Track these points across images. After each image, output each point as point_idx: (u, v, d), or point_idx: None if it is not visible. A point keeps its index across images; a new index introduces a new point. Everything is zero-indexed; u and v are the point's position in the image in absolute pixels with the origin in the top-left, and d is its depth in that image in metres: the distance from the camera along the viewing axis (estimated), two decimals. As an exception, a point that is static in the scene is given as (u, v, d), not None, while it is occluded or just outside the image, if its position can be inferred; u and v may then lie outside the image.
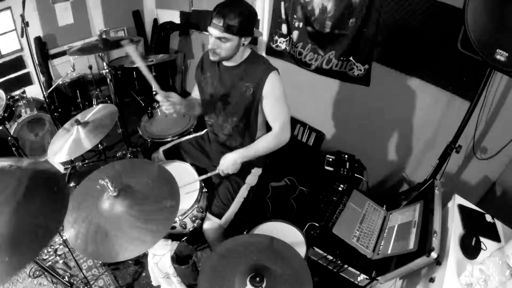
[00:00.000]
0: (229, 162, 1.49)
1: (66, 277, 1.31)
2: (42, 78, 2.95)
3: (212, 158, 1.77)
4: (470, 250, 1.14)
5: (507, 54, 1.20)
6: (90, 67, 3.18)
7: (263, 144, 1.51)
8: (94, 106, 2.18)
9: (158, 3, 3.75)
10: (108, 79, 2.29)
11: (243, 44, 1.37)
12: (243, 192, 1.65)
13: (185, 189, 1.53)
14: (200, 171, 1.69)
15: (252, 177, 1.69)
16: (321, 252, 1.49)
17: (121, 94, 2.45)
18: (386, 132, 2.25)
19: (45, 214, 0.86)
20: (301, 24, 2.31)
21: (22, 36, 2.00)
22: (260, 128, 1.58)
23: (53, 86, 2.55)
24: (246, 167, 1.63)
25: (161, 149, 1.85)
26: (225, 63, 1.47)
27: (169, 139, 2.12)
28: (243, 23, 1.27)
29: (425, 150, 2.09)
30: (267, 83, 1.38)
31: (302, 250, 1.45)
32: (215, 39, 1.32)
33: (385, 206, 1.74)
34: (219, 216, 1.55)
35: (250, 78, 1.42)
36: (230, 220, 1.61)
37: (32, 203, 0.85)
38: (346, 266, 1.46)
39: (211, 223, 1.55)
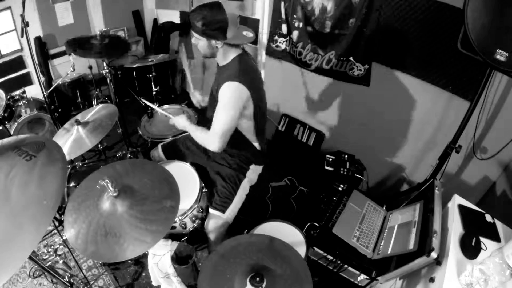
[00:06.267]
0: (179, 122, 1.66)
1: (66, 277, 1.31)
2: (42, 78, 2.95)
3: (209, 154, 1.79)
4: (470, 250, 1.14)
5: (507, 54, 1.20)
6: (90, 67, 3.17)
7: (198, 135, 1.55)
8: (94, 106, 2.18)
9: (158, 3, 3.74)
10: (108, 79, 2.29)
11: (216, 47, 1.42)
12: (244, 186, 1.66)
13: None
14: (200, 169, 1.69)
15: (252, 173, 1.70)
16: (321, 252, 1.49)
17: (121, 94, 2.45)
18: (386, 132, 2.25)
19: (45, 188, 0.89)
20: (301, 24, 2.31)
21: (22, 36, 2.00)
22: (247, 130, 1.58)
23: (53, 86, 2.54)
24: (244, 164, 1.67)
25: (160, 145, 1.87)
26: (217, 62, 1.54)
27: (169, 139, 2.12)
28: (205, 26, 1.34)
29: (425, 150, 2.09)
30: (221, 89, 1.42)
31: (302, 250, 1.45)
32: (194, 37, 1.44)
33: (385, 206, 1.74)
34: (222, 210, 1.56)
35: (220, 81, 1.46)
36: (234, 215, 1.61)
37: (32, 176, 0.90)
38: (346, 266, 1.46)
39: (214, 220, 1.55)
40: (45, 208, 0.85)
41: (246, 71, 1.44)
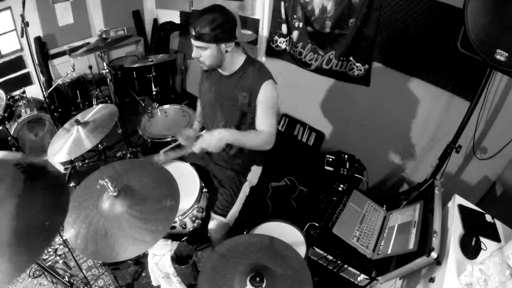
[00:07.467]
0: (215, 138, 1.36)
1: (66, 277, 1.31)
2: (42, 78, 2.95)
3: (212, 156, 1.78)
4: (470, 250, 1.14)
5: (507, 54, 1.20)
6: (90, 67, 3.18)
7: (251, 140, 1.43)
8: (94, 106, 2.18)
9: (158, 3, 3.75)
10: (108, 79, 2.29)
11: (227, 51, 1.36)
12: (245, 190, 1.66)
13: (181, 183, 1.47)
14: (200, 170, 1.69)
15: (253, 175, 1.70)
16: (321, 252, 1.49)
17: (121, 94, 2.45)
18: (386, 132, 2.25)
19: (47, 209, 0.85)
20: (301, 24, 2.31)
21: (22, 36, 2.00)
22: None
23: (53, 86, 2.54)
24: (246, 165, 1.66)
25: (162, 151, 1.85)
26: (221, 72, 1.48)
27: (169, 139, 2.12)
28: (216, 30, 1.27)
29: (425, 150, 2.09)
30: (261, 92, 1.39)
31: (302, 250, 1.44)
32: (196, 48, 1.36)
33: (385, 206, 1.74)
34: (223, 215, 1.56)
35: (245, 87, 1.43)
36: (235, 218, 1.62)
37: (33, 198, 0.85)
38: (346, 266, 1.46)
39: (216, 223, 1.55)
40: (47, 229, 0.81)
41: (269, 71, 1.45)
